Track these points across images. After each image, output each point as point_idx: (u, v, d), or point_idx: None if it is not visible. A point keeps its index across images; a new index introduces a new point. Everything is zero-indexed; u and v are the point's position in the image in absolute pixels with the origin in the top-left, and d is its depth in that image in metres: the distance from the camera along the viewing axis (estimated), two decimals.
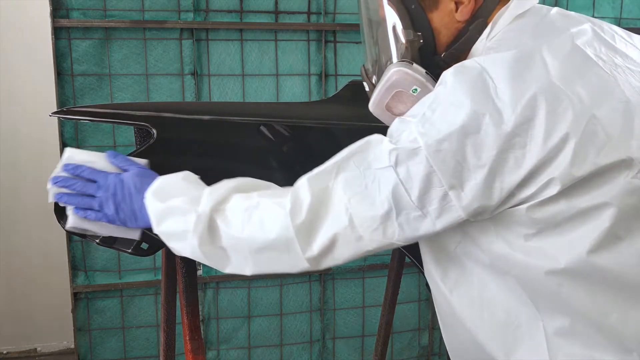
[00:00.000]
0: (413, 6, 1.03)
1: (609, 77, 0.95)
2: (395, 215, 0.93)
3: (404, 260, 1.65)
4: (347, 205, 0.96)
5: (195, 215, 1.01)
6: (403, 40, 1.03)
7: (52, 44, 2.28)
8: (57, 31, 2.28)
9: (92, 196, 1.11)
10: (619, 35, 1.07)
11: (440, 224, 0.93)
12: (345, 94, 1.40)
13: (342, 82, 2.53)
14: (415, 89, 1.01)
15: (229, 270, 1.04)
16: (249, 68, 2.48)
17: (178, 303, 1.41)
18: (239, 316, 2.65)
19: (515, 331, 0.98)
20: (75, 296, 2.46)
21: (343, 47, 2.57)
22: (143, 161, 1.18)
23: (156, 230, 1.07)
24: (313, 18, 2.52)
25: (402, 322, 2.80)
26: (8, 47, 2.81)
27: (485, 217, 0.93)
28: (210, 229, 1.01)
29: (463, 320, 1.03)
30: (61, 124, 2.34)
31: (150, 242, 1.21)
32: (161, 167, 1.20)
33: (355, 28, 2.53)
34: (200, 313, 2.38)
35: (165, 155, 1.21)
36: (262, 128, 1.24)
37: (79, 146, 2.37)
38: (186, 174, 1.10)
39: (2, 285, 2.97)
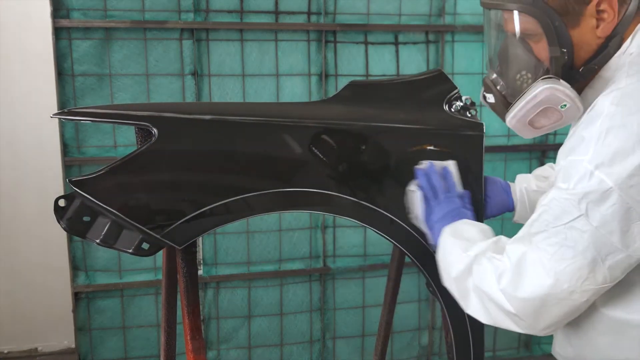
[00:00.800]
0: (557, 23, 1.05)
1: None
2: (601, 261, 0.95)
3: (404, 260, 1.65)
4: (549, 266, 0.97)
5: (462, 255, 1.09)
6: (547, 55, 1.07)
7: (53, 44, 2.28)
8: (57, 31, 2.28)
9: (437, 197, 1.24)
10: None
11: None
12: (345, 94, 1.40)
13: (342, 82, 2.53)
14: (564, 105, 1.05)
15: (469, 311, 1.10)
16: (249, 68, 2.49)
17: (178, 303, 1.41)
18: (239, 316, 2.65)
19: None
20: (76, 296, 2.47)
21: (343, 47, 2.57)
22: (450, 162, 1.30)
23: (436, 254, 1.19)
24: (313, 18, 2.52)
25: (402, 322, 2.80)
26: (8, 47, 2.81)
27: None
28: (466, 271, 1.08)
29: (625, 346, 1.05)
30: (62, 124, 2.34)
31: (151, 242, 1.21)
32: (162, 167, 1.20)
33: (355, 28, 2.54)
34: (200, 313, 2.39)
35: (166, 155, 1.22)
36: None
37: (79, 147, 2.37)
38: (485, 227, 1.17)
39: (3, 285, 2.97)
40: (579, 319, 1.09)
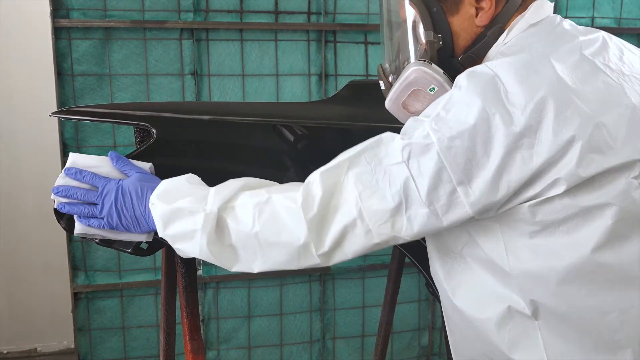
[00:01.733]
0: (435, 9, 1.06)
1: (616, 85, 0.98)
2: (405, 209, 0.96)
3: (404, 260, 1.65)
4: (358, 199, 0.98)
5: (203, 214, 1.02)
6: (423, 40, 1.07)
7: (52, 44, 2.28)
8: (57, 31, 2.28)
9: (95, 204, 1.11)
10: (627, 48, 1.10)
11: (447, 220, 0.96)
12: (345, 94, 1.40)
13: (342, 82, 2.53)
14: (433, 88, 1.05)
15: (236, 268, 1.05)
16: (249, 68, 2.48)
17: (178, 303, 1.41)
18: (239, 316, 2.65)
19: (513, 329, 1.00)
20: (76, 296, 2.46)
21: (343, 47, 2.57)
22: (146, 165, 1.18)
23: (162, 233, 1.07)
24: (313, 18, 2.52)
25: (402, 322, 2.80)
26: (8, 47, 2.81)
27: (491, 214, 0.96)
28: (219, 228, 1.03)
29: (465, 317, 1.06)
30: (61, 124, 2.34)
31: (151, 242, 1.21)
32: (161, 167, 1.20)
33: (355, 28, 2.54)
34: (200, 313, 2.38)
35: (165, 155, 1.21)
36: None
37: (79, 146, 2.37)
38: (189, 177, 1.11)
39: (3, 285, 2.97)
40: (444, 307, 1.12)
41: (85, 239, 1.23)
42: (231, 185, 1.06)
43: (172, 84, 2.42)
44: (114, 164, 1.15)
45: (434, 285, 1.34)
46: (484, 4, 1.05)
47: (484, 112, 0.91)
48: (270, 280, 2.65)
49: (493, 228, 0.98)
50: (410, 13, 1.07)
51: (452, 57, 1.09)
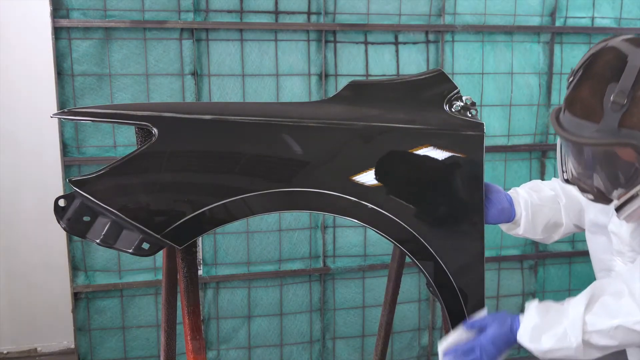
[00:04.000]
0: None
1: None
2: None
3: (404, 260, 1.65)
4: None
5: (573, 350, 1.23)
6: None
7: (52, 44, 2.28)
8: (57, 31, 2.28)
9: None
10: None
11: None
12: (345, 94, 1.40)
13: (342, 82, 2.53)
14: None
15: None
16: (249, 68, 2.49)
17: (178, 303, 1.41)
18: (239, 316, 2.65)
19: None
20: (76, 296, 2.47)
21: (343, 47, 2.57)
22: (483, 312, 1.36)
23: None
24: (313, 18, 2.52)
25: (402, 322, 2.80)
26: (8, 47, 2.81)
27: None
28: (587, 349, 1.23)
29: None
30: (61, 125, 2.34)
31: (152, 242, 1.21)
32: (161, 167, 1.20)
33: (355, 28, 2.54)
34: (200, 313, 2.38)
35: (166, 154, 1.21)
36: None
37: (79, 146, 2.37)
38: (537, 309, 1.27)
39: (3, 285, 2.97)
40: None
41: (84, 238, 1.23)
42: (576, 310, 1.23)
43: (172, 84, 2.42)
44: (469, 328, 1.33)
45: (435, 286, 1.34)
46: None
47: None
48: (270, 280, 2.65)
49: None
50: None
51: None
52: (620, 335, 1.20)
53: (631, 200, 1.19)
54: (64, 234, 2.26)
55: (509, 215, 1.43)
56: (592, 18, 2.78)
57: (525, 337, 1.26)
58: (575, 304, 1.24)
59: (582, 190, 1.27)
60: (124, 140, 2.41)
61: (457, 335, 1.33)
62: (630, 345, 1.26)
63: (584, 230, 1.48)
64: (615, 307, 1.21)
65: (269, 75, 2.51)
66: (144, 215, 1.19)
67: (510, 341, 1.29)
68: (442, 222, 1.34)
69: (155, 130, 1.20)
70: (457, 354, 1.30)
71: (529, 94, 2.78)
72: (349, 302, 2.76)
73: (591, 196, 1.26)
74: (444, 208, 1.33)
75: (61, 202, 1.18)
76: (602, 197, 1.25)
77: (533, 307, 1.28)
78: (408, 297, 2.80)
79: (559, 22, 2.75)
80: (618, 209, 1.22)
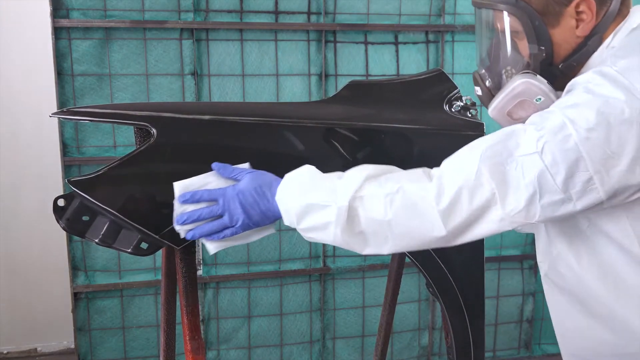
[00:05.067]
0: (537, 22, 1.12)
1: None
2: (539, 198, 1.01)
3: (404, 260, 1.65)
4: (492, 190, 1.03)
5: (335, 208, 1.08)
6: (527, 53, 1.14)
7: (52, 44, 2.28)
8: (57, 31, 2.28)
9: (220, 216, 1.16)
10: None
11: (580, 205, 1.02)
12: (345, 94, 1.40)
13: (342, 82, 2.53)
14: (539, 98, 1.12)
15: (367, 252, 1.13)
16: (249, 68, 2.48)
17: (178, 303, 1.41)
18: (239, 316, 2.65)
19: None
20: (76, 296, 2.47)
21: (343, 47, 2.57)
22: (245, 165, 1.20)
23: (297, 227, 1.12)
24: (313, 18, 2.52)
25: (402, 322, 2.80)
26: (8, 47, 2.81)
27: (621, 199, 1.02)
28: (350, 217, 1.08)
29: (596, 292, 1.12)
30: (61, 124, 2.34)
31: (150, 242, 1.21)
32: (160, 167, 1.20)
33: (355, 28, 2.54)
34: (200, 313, 2.38)
35: (165, 155, 1.21)
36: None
37: (79, 146, 2.37)
38: (309, 169, 1.16)
39: (3, 285, 2.97)
40: (568, 287, 1.18)
41: (83, 238, 1.22)
42: (356, 176, 1.11)
43: (172, 84, 2.42)
44: (222, 173, 1.19)
45: (435, 286, 1.34)
46: (584, 16, 1.10)
47: (617, 107, 0.97)
48: (270, 280, 2.65)
49: (619, 216, 1.06)
50: (515, 26, 1.14)
51: (551, 66, 1.14)
52: (398, 205, 1.06)
53: (501, 90, 1.15)
54: (64, 234, 2.26)
55: None
56: None
57: (284, 191, 1.12)
58: (360, 171, 1.12)
59: (475, 82, 1.24)
60: (123, 140, 2.41)
61: (203, 178, 1.17)
62: (406, 236, 1.09)
63: None
64: (404, 176, 1.11)
65: (269, 75, 2.51)
66: (142, 215, 1.19)
67: (269, 207, 1.13)
68: None
69: (154, 131, 1.20)
70: (194, 199, 1.15)
71: None
72: (349, 302, 2.76)
73: (479, 91, 1.23)
74: None
75: (60, 202, 1.19)
76: (487, 94, 1.21)
77: (306, 167, 1.15)
78: (408, 297, 2.79)
79: None
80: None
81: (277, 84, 2.52)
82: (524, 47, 1.14)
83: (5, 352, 3.04)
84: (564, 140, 0.99)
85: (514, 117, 1.15)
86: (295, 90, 2.54)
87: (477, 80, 1.23)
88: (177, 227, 1.17)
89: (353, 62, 2.59)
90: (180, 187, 1.17)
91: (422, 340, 2.90)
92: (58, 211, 1.18)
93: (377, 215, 1.08)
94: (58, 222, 1.18)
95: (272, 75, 2.51)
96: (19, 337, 3.05)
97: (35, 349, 3.08)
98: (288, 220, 1.13)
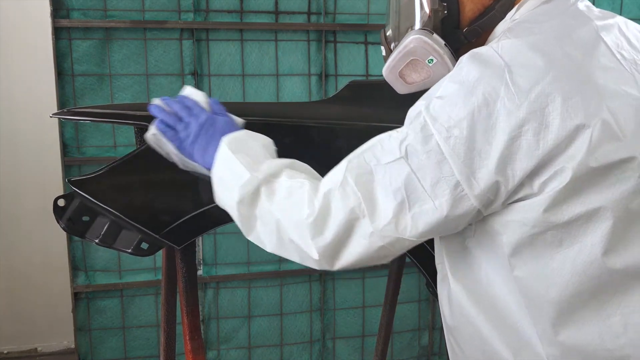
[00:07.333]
0: None
1: (627, 74, 0.94)
2: (409, 207, 0.92)
3: (404, 260, 1.65)
4: (359, 201, 0.95)
5: (249, 176, 1.03)
6: (427, 9, 1.02)
7: (53, 44, 2.28)
8: (57, 31, 2.28)
9: (182, 120, 1.14)
10: None
11: (452, 215, 0.90)
12: (345, 94, 1.40)
13: (342, 82, 2.53)
14: (432, 60, 1.01)
15: (251, 237, 1.08)
16: (249, 68, 2.48)
17: (178, 303, 1.41)
18: (239, 316, 2.65)
19: (518, 332, 0.96)
20: (76, 296, 2.47)
21: (343, 47, 2.57)
22: (240, 120, 1.20)
23: (212, 171, 1.08)
24: (313, 18, 2.52)
25: (402, 322, 2.80)
26: (8, 47, 2.81)
27: (497, 207, 0.91)
28: (254, 194, 1.03)
29: (470, 315, 1.02)
30: (61, 124, 2.34)
31: (150, 242, 1.21)
32: (160, 167, 1.20)
33: (355, 28, 2.54)
34: (200, 313, 2.38)
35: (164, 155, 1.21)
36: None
37: (79, 146, 2.37)
38: (267, 141, 1.12)
39: (3, 285, 2.97)
40: (448, 301, 1.07)
41: (84, 238, 1.23)
42: (283, 162, 1.07)
43: (172, 84, 2.42)
44: (214, 105, 1.18)
45: (434, 286, 1.34)
46: None
47: (484, 97, 0.86)
48: (270, 280, 2.65)
49: (494, 226, 0.94)
50: None
51: (457, 29, 1.04)
52: (280, 207, 1.00)
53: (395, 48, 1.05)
54: (64, 234, 2.26)
55: None
56: None
57: (227, 144, 1.07)
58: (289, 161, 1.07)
59: (381, 42, 1.14)
60: (124, 140, 2.41)
61: (204, 97, 1.20)
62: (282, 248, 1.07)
63: None
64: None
65: (269, 75, 2.51)
66: (142, 215, 1.19)
67: (210, 153, 1.09)
68: None
69: None
70: (183, 103, 1.16)
71: None
72: (349, 302, 2.76)
73: (383, 51, 1.13)
74: None
75: (60, 202, 1.19)
76: (389, 53, 1.10)
77: (244, 133, 1.12)
78: (408, 297, 2.79)
79: None
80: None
81: (277, 84, 2.52)
82: (428, 1, 1.03)
83: (5, 352, 3.04)
84: (425, 141, 0.89)
85: (407, 81, 1.06)
86: (295, 90, 2.54)
87: (382, 40, 1.13)
88: (156, 100, 1.18)
89: (353, 62, 2.59)
90: (187, 91, 1.21)
91: (422, 340, 2.90)
92: (58, 211, 1.19)
93: (271, 205, 1.02)
94: (58, 222, 1.19)
95: (272, 75, 2.51)
96: (19, 337, 3.05)
97: (36, 348, 3.08)
98: (213, 165, 1.08)
